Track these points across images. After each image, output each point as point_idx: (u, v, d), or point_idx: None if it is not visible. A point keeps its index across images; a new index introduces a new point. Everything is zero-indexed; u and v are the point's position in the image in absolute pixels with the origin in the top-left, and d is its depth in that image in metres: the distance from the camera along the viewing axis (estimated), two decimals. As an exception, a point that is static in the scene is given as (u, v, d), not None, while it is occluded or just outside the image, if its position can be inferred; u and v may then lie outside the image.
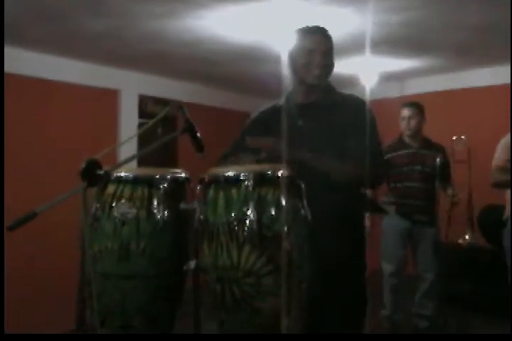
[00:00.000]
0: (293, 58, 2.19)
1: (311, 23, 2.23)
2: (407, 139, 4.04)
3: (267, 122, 2.18)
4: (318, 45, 2.14)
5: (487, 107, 5.05)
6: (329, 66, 2.18)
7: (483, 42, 4.15)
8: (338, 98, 2.22)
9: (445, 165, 3.98)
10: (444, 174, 3.96)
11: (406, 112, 4.02)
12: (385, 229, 4.06)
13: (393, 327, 4.03)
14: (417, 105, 4.07)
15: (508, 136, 3.46)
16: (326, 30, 2.20)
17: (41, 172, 4.18)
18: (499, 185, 3.44)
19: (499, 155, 3.45)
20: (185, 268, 1.73)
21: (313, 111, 2.17)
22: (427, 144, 4.07)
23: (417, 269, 4.09)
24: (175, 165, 5.13)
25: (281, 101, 2.27)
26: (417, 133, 4.03)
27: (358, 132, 2.05)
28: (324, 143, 2.08)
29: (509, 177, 3.31)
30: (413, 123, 3.99)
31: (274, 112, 2.19)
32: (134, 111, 5.17)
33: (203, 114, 4.80)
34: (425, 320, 4.02)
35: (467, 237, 4.08)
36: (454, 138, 4.48)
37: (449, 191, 3.97)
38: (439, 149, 4.06)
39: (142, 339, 1.77)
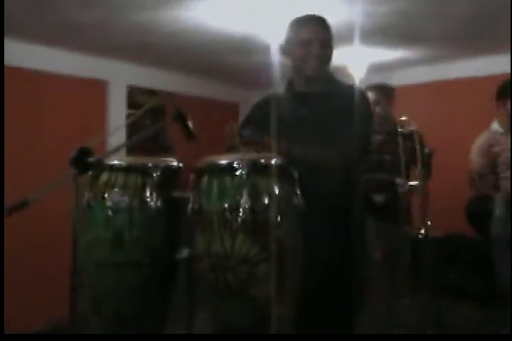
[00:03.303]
0: (289, 49, 2.13)
1: (301, 14, 2.14)
2: (375, 126, 3.39)
3: (268, 110, 2.10)
4: (315, 36, 2.07)
5: (475, 98, 5.06)
6: (327, 57, 2.12)
7: (473, 32, 4.15)
8: (338, 87, 2.16)
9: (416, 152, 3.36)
10: (422, 162, 3.33)
11: (370, 97, 3.28)
12: None
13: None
14: (383, 88, 3.69)
15: (482, 137, 3.30)
16: (324, 19, 2.11)
17: (31, 161, 4.15)
18: (482, 191, 3.29)
19: (476, 159, 3.22)
20: (178, 256, 1.73)
21: (313, 100, 2.11)
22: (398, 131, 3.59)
23: (387, 265, 3.74)
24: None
25: (281, 89, 2.22)
26: (384, 119, 3.59)
27: (353, 121, 1.98)
28: (324, 133, 2.01)
29: (487, 180, 3.18)
30: (378, 109, 3.51)
31: (275, 100, 2.15)
32: (122, 101, 5.13)
33: (192, 104, 4.77)
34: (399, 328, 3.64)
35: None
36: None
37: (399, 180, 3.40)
38: (410, 135, 3.53)
39: (140, 339, 1.77)
